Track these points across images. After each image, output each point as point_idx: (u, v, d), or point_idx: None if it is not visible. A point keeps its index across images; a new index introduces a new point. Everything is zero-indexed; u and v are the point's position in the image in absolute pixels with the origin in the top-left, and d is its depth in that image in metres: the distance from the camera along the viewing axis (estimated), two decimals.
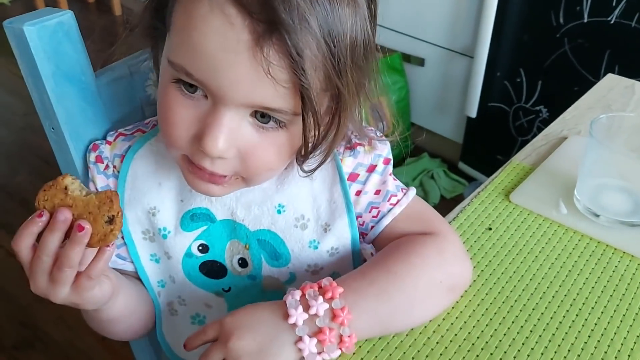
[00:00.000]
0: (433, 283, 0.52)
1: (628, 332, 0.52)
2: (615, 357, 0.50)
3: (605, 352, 0.50)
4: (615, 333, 0.52)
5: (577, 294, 0.56)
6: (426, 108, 1.87)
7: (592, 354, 0.50)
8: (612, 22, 1.40)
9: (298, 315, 0.47)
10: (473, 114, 1.72)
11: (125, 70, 0.61)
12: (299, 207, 0.56)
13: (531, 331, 0.52)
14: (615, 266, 0.59)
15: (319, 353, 0.47)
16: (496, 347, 0.51)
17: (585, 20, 1.44)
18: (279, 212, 0.56)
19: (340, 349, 0.48)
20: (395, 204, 0.57)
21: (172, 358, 0.64)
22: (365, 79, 0.49)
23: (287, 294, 0.49)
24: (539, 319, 0.53)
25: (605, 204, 0.63)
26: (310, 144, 0.47)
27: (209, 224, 0.57)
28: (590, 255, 0.60)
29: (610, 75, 0.91)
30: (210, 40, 0.42)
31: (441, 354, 0.50)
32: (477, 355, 0.50)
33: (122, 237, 0.58)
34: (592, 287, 0.57)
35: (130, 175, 0.57)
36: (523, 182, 0.69)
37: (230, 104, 0.44)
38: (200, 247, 0.58)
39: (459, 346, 0.51)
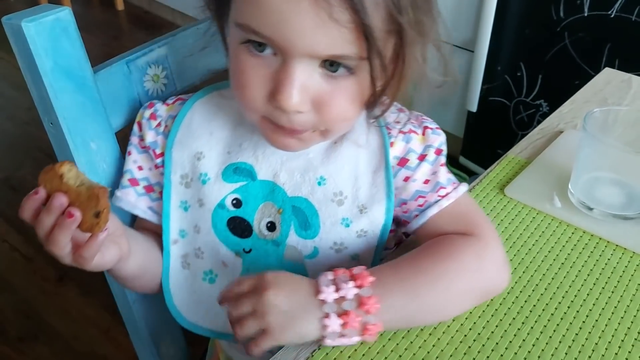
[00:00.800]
0: (467, 289, 0.53)
1: (619, 324, 0.53)
2: (606, 349, 0.51)
3: (596, 344, 0.51)
4: (606, 325, 0.53)
5: (570, 287, 0.56)
6: (427, 102, 1.87)
7: (582, 345, 0.51)
8: (612, 15, 1.40)
9: (329, 293, 0.48)
10: (474, 108, 1.72)
11: (123, 66, 0.61)
12: (339, 183, 0.57)
13: (523, 323, 0.53)
14: (608, 259, 0.60)
15: (341, 336, 0.48)
16: (488, 339, 0.51)
17: (586, 14, 1.44)
18: (319, 183, 0.57)
19: (362, 335, 0.48)
20: (443, 196, 0.57)
21: (174, 314, 0.63)
22: (425, 18, 0.49)
23: (320, 275, 0.50)
24: (531, 311, 0.54)
25: (599, 197, 0.63)
26: (378, 87, 0.48)
27: (248, 180, 0.58)
28: (583, 248, 0.61)
29: (607, 70, 0.91)
30: None
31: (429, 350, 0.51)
32: (469, 347, 0.51)
33: (161, 176, 0.60)
34: (585, 280, 0.57)
35: (187, 118, 0.59)
36: (518, 176, 0.70)
37: (298, 56, 0.45)
38: (234, 201, 0.58)
39: (452, 337, 0.51)
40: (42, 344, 1.35)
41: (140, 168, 0.61)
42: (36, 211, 0.47)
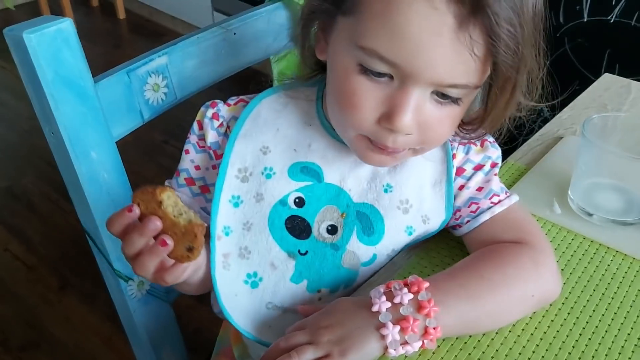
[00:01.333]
0: (526, 296, 0.53)
1: (619, 330, 0.53)
2: (607, 355, 0.51)
3: (596, 350, 0.51)
4: (607, 331, 0.53)
5: (570, 293, 0.57)
6: None
7: (583, 351, 0.51)
8: (611, 21, 1.40)
9: (381, 303, 0.48)
10: None
11: (124, 75, 0.62)
12: (405, 191, 0.58)
13: (523, 329, 0.53)
14: (608, 265, 0.60)
15: (403, 344, 0.48)
16: (488, 345, 0.51)
17: (585, 20, 1.44)
18: (385, 191, 0.58)
19: (424, 340, 0.48)
20: (496, 203, 0.58)
21: (224, 312, 0.60)
22: (534, 51, 0.50)
23: (372, 290, 0.51)
24: (531, 318, 0.54)
25: (599, 203, 0.63)
26: (489, 113, 0.51)
27: (314, 181, 0.58)
28: (583, 254, 0.61)
29: (606, 75, 0.91)
30: (414, 24, 0.44)
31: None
32: (470, 354, 0.51)
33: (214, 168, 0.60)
34: (585, 286, 0.57)
35: (254, 113, 0.59)
36: (518, 182, 0.70)
37: (420, 83, 0.47)
38: (297, 200, 0.58)
39: (451, 345, 0.51)
40: (44, 353, 1.35)
41: (197, 167, 0.62)
42: (126, 228, 0.47)
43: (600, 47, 1.45)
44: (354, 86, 0.49)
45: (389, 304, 0.48)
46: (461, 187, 0.59)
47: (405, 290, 0.49)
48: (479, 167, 0.59)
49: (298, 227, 0.58)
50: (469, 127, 0.56)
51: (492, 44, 0.44)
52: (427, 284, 0.49)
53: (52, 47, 0.53)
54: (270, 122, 0.59)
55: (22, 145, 2.06)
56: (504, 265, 0.53)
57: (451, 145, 0.59)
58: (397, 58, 0.45)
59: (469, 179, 0.59)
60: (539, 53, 0.50)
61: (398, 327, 0.47)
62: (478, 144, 0.60)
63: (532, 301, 0.53)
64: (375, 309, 0.48)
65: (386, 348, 0.48)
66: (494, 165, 0.60)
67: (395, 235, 0.58)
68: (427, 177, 0.59)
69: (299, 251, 0.58)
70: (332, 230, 0.58)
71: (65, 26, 0.54)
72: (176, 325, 0.77)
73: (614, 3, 1.38)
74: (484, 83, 0.49)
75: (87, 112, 0.58)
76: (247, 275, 0.59)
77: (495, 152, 0.60)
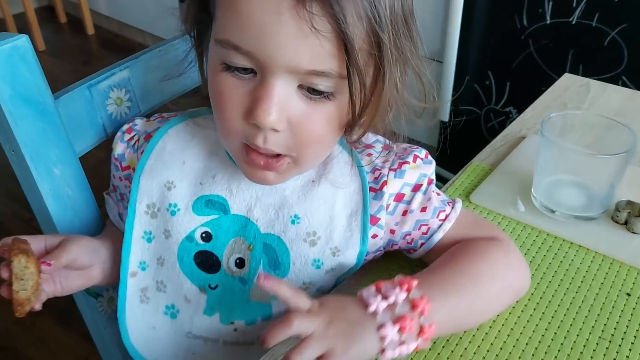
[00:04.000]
0: (503, 286, 0.54)
1: (584, 323, 0.54)
2: (572, 348, 0.52)
3: (562, 344, 0.52)
4: (571, 325, 0.54)
5: (536, 288, 0.57)
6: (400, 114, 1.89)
7: (549, 345, 0.52)
8: (573, 22, 1.44)
9: (378, 303, 0.46)
10: (445, 117, 1.74)
11: (85, 90, 0.61)
12: (313, 223, 0.55)
13: (490, 327, 0.54)
14: (572, 259, 0.61)
15: (400, 344, 0.46)
16: (456, 345, 0.52)
17: (548, 22, 1.48)
18: (292, 222, 0.56)
19: (420, 338, 0.47)
20: (444, 220, 0.57)
21: (130, 352, 0.61)
22: (405, 43, 0.49)
23: (360, 291, 0.48)
24: (497, 315, 0.55)
25: (560, 200, 0.65)
26: (357, 108, 0.48)
27: (220, 214, 0.57)
28: (547, 250, 0.62)
29: (566, 75, 0.94)
30: (255, 7, 0.44)
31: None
32: (439, 353, 0.51)
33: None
34: (550, 281, 0.58)
35: (159, 147, 0.59)
36: (482, 183, 0.71)
37: (278, 71, 0.45)
38: (203, 235, 0.57)
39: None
40: None
41: (114, 176, 0.63)
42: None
43: (563, 47, 1.48)
44: (221, 86, 0.49)
45: (385, 304, 0.47)
46: (405, 213, 0.56)
47: (398, 289, 0.47)
48: (417, 188, 0.56)
49: (207, 262, 0.58)
50: (359, 130, 0.53)
51: (337, 23, 0.43)
52: (416, 282, 0.48)
53: (9, 64, 0.53)
54: (177, 154, 0.58)
55: None
56: (479, 259, 0.54)
57: (380, 173, 0.56)
58: (247, 45, 0.45)
59: (409, 202, 0.56)
60: (415, 49, 0.50)
61: (397, 327, 0.46)
62: (410, 159, 0.57)
63: (510, 292, 0.54)
64: (372, 309, 0.46)
65: (382, 350, 0.46)
66: (430, 182, 0.57)
67: (302, 268, 0.56)
68: (340, 208, 0.56)
69: (209, 285, 0.58)
70: (240, 263, 0.57)
71: (22, 43, 0.54)
72: None
73: (574, 5, 1.42)
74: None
75: (47, 129, 0.57)
76: (166, 307, 0.60)
77: (430, 168, 0.57)
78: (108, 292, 0.69)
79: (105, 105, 0.64)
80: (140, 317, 0.60)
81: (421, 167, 0.57)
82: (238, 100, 0.48)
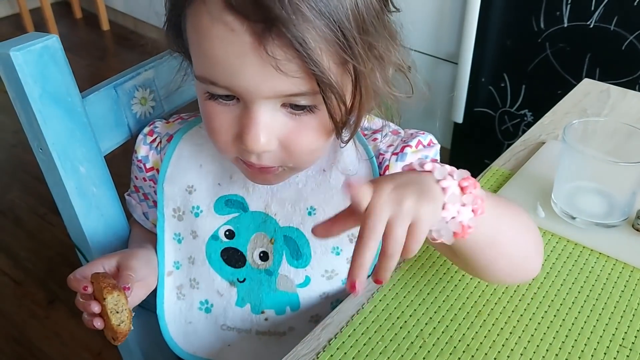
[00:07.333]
0: (534, 240, 0.54)
1: (604, 330, 0.54)
2: (592, 356, 0.52)
3: (582, 351, 0.52)
4: (592, 332, 0.54)
5: (556, 295, 0.58)
6: (413, 114, 1.89)
7: (569, 352, 0.52)
8: (591, 26, 1.43)
9: (433, 165, 0.45)
10: (459, 119, 1.74)
11: (111, 90, 0.62)
12: (329, 212, 0.58)
13: (511, 332, 0.54)
14: (592, 267, 0.61)
15: (461, 205, 0.43)
16: (477, 350, 0.52)
17: (566, 25, 1.47)
18: (309, 213, 0.59)
19: (473, 210, 0.44)
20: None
21: (170, 345, 0.65)
22: (378, 42, 0.49)
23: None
24: (518, 321, 0.55)
25: (581, 206, 0.65)
26: (339, 118, 0.48)
27: (240, 212, 0.60)
28: (567, 257, 0.62)
29: (586, 80, 0.93)
30: (219, 49, 0.44)
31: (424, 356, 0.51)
32: (459, 358, 0.51)
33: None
34: (570, 288, 0.58)
35: (176, 154, 0.61)
36: (502, 188, 0.71)
37: (258, 99, 0.46)
38: (227, 233, 0.61)
39: (441, 349, 0.52)
40: None
41: (136, 177, 0.65)
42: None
43: (580, 51, 1.47)
44: (209, 111, 0.50)
45: (439, 166, 0.44)
46: None
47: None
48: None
49: (233, 258, 0.61)
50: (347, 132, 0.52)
51: (302, 60, 0.43)
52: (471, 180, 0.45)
53: (39, 64, 0.54)
54: (193, 158, 0.61)
55: (7, 160, 2.04)
56: (525, 213, 0.54)
57: (383, 157, 0.58)
58: (222, 81, 0.46)
59: None
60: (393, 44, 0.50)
61: (457, 183, 0.43)
62: (413, 144, 0.58)
63: (538, 247, 0.54)
64: (428, 167, 0.44)
65: (445, 204, 0.43)
66: (434, 162, 0.54)
67: (323, 257, 0.59)
68: None
69: (237, 279, 0.62)
70: (264, 256, 0.61)
71: (52, 43, 0.55)
72: None
73: (593, 8, 1.41)
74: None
75: (75, 128, 0.58)
76: (200, 303, 0.64)
77: (431, 150, 0.58)
78: None
79: (130, 104, 0.65)
80: (178, 313, 0.64)
81: (422, 151, 0.58)
82: (227, 125, 0.50)
